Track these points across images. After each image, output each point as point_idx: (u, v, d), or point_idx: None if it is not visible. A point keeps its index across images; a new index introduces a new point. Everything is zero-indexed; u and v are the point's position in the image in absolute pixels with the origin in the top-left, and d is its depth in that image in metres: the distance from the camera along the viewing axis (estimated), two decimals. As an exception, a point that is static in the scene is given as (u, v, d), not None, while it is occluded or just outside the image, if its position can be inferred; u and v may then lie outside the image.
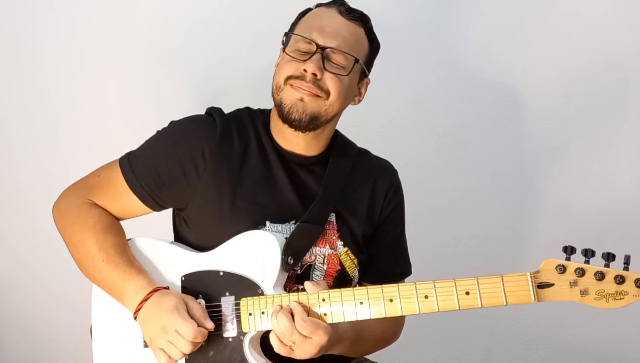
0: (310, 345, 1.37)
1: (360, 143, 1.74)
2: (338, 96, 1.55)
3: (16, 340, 2.33)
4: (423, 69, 2.28)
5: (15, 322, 2.31)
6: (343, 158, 1.65)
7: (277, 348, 1.39)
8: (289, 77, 1.53)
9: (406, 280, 1.74)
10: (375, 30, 1.64)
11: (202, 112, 1.67)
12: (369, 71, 1.67)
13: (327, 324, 1.39)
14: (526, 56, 2.28)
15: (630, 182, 2.33)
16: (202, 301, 1.49)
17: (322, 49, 1.52)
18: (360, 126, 1.96)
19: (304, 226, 1.54)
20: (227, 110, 1.66)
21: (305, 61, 1.52)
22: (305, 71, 1.52)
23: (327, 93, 1.54)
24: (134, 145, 1.63)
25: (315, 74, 1.51)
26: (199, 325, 1.41)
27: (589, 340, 2.36)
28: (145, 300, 1.46)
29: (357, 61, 1.56)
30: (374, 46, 1.64)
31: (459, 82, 2.30)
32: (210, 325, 1.43)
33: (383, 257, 1.69)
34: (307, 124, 1.54)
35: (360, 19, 1.60)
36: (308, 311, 1.40)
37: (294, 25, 1.63)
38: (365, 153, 1.74)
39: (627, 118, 2.31)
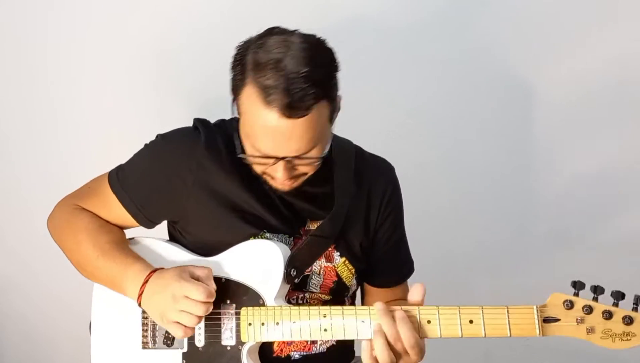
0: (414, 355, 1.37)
1: (361, 146, 1.70)
2: (317, 166, 1.44)
3: (16, 341, 2.34)
4: (425, 72, 2.27)
5: (15, 322, 2.32)
6: (345, 166, 1.57)
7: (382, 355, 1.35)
8: (262, 173, 1.44)
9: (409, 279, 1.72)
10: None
11: (201, 115, 1.63)
12: (336, 96, 1.41)
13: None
14: (528, 58, 2.27)
15: (632, 183, 2.33)
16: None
17: (282, 158, 1.37)
18: (361, 128, 1.93)
19: (312, 239, 1.50)
20: (226, 116, 1.63)
21: (271, 165, 1.39)
22: (275, 178, 1.42)
23: (306, 174, 1.45)
24: (133, 146, 1.62)
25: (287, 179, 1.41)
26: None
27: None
28: (146, 282, 1.43)
29: (326, 154, 1.41)
30: (333, 91, 1.39)
31: (460, 85, 2.28)
32: (213, 285, 1.40)
33: (385, 262, 1.64)
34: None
35: (313, 104, 1.31)
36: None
37: (236, 94, 1.38)
38: (360, 154, 1.64)
39: (630, 120, 2.30)
